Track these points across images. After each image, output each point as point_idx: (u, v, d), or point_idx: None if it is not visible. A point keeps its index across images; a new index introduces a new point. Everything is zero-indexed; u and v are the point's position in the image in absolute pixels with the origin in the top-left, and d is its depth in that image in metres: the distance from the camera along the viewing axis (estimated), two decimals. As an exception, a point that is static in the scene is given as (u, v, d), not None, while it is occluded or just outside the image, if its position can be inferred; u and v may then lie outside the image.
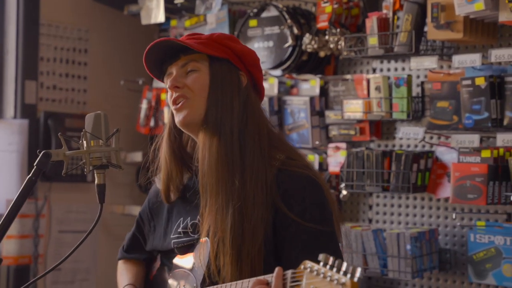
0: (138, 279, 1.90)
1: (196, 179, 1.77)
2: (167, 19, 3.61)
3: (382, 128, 3.09)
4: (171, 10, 3.57)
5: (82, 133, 1.62)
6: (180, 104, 1.74)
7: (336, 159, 3.08)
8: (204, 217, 1.69)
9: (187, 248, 1.76)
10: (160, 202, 1.88)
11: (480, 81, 2.52)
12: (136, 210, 3.79)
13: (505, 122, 2.51)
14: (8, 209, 1.58)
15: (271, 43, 3.20)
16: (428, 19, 2.66)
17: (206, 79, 1.74)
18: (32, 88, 3.61)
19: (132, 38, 3.94)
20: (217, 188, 1.67)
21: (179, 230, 1.78)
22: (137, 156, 3.81)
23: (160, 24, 3.82)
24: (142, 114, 3.76)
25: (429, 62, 2.64)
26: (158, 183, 1.89)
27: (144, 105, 3.75)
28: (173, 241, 1.79)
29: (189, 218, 1.78)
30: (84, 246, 3.77)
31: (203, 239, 1.68)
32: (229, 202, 1.65)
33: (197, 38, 1.78)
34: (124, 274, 1.94)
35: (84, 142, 1.61)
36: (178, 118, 1.74)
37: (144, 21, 3.52)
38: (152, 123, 3.74)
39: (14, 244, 3.53)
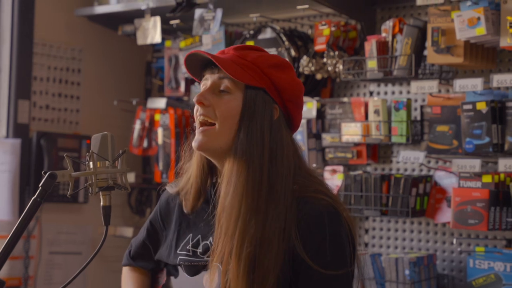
0: None
1: (213, 194, 1.70)
2: (162, 39, 3.60)
3: (379, 151, 3.08)
4: (166, 30, 3.56)
5: (88, 154, 1.59)
6: (203, 129, 1.67)
7: (333, 182, 3.07)
8: (216, 250, 1.62)
9: (195, 268, 1.71)
10: (170, 211, 1.81)
11: (481, 106, 2.53)
12: (127, 231, 3.75)
13: (506, 147, 2.51)
14: (13, 230, 1.55)
15: (268, 65, 3.18)
16: (428, 43, 2.66)
17: (237, 106, 1.65)
18: (25, 107, 3.56)
19: (126, 58, 3.92)
20: (234, 227, 1.59)
21: (187, 247, 1.72)
22: (130, 177, 3.77)
23: (154, 45, 3.81)
24: (135, 134, 3.72)
25: (430, 86, 2.64)
26: (171, 189, 1.82)
27: (137, 126, 3.72)
28: (179, 257, 1.73)
29: (200, 236, 1.72)
30: (75, 268, 3.72)
31: (215, 270, 1.63)
32: (243, 244, 1.57)
33: (243, 56, 1.68)
34: (129, 284, 1.88)
35: (91, 163, 1.58)
36: (195, 142, 1.67)
37: (140, 42, 3.51)
38: (145, 144, 3.70)
39: (5, 265, 3.46)
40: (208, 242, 1.70)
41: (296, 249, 1.58)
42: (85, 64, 3.83)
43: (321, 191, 1.64)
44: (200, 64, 1.72)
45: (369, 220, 3.11)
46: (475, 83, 2.52)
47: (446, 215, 2.75)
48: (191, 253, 1.71)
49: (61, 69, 3.74)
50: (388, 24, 2.83)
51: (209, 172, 1.75)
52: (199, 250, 1.71)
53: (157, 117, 3.61)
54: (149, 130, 3.68)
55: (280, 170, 1.62)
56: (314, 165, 3.15)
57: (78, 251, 3.75)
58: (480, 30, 2.47)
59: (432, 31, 2.64)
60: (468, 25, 2.50)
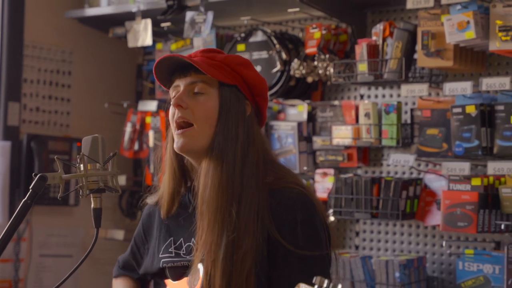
0: None
1: (191, 197, 1.76)
2: (153, 42, 3.60)
3: (369, 154, 3.09)
4: (157, 33, 3.56)
5: (79, 156, 1.59)
6: (182, 131, 1.71)
7: (324, 185, 3.08)
8: (199, 242, 1.67)
9: (179, 270, 1.73)
10: (151, 222, 1.86)
11: (471, 109, 2.54)
12: (118, 234, 3.74)
13: (495, 150, 2.52)
14: (3, 233, 1.55)
15: (259, 68, 3.19)
16: (419, 47, 2.68)
17: (214, 105, 1.71)
18: (15, 110, 3.56)
19: (116, 60, 3.91)
20: (215, 217, 1.65)
21: (170, 250, 1.76)
22: (121, 180, 3.77)
23: (145, 47, 3.80)
24: (126, 137, 3.72)
25: (420, 89, 2.66)
26: (150, 200, 1.87)
27: (128, 128, 3.71)
28: (162, 260, 1.77)
29: (182, 239, 1.76)
30: (66, 271, 3.69)
31: (197, 266, 1.66)
32: (223, 232, 1.64)
33: (211, 57, 1.74)
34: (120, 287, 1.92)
35: (81, 165, 1.58)
36: (177, 144, 1.72)
37: (130, 44, 3.50)
38: (136, 146, 3.70)
39: (-6, 268, 3.47)
40: (191, 243, 1.73)
41: (272, 235, 1.64)
42: (76, 66, 3.82)
43: (294, 182, 1.72)
44: (168, 71, 1.76)
45: (359, 223, 3.12)
46: (464, 87, 2.54)
47: (435, 217, 2.76)
48: (173, 254, 1.75)
49: (51, 71, 3.73)
50: (379, 28, 2.84)
51: (182, 176, 1.80)
52: (182, 251, 1.74)
53: (148, 119, 3.61)
54: (140, 133, 3.68)
55: (251, 160, 1.70)
56: (305, 168, 3.15)
57: (69, 253, 3.74)
58: (470, 34, 2.48)
59: (422, 34, 2.65)
60: (457, 29, 2.51)
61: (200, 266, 1.66)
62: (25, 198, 1.57)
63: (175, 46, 3.54)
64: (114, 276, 1.98)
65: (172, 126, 1.74)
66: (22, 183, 3.52)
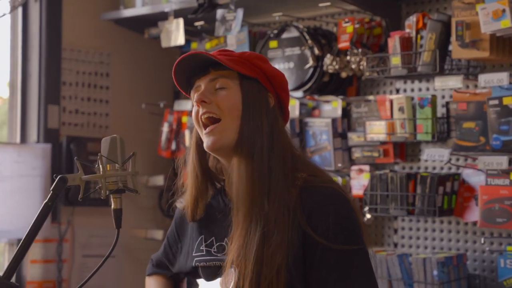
0: None
1: (225, 198, 1.75)
2: (188, 41, 3.60)
3: (406, 150, 3.03)
4: (191, 32, 3.56)
5: (98, 157, 1.59)
6: (211, 128, 1.69)
7: (360, 181, 3.02)
8: (234, 240, 1.65)
9: (212, 270, 1.72)
10: (185, 224, 1.85)
11: (508, 101, 2.46)
12: (158, 234, 3.76)
13: (534, 142, 2.44)
14: (25, 234, 1.56)
15: (291, 64, 3.16)
16: (453, 38, 2.60)
17: (237, 98, 1.69)
18: (55, 112, 3.60)
19: (153, 61, 3.93)
20: (250, 212, 1.63)
21: (201, 248, 1.75)
22: (159, 180, 3.79)
23: (181, 47, 3.81)
24: (164, 137, 3.74)
25: (454, 82, 2.58)
26: (180, 204, 1.85)
27: (165, 128, 3.73)
28: (195, 259, 1.75)
29: (213, 238, 1.74)
30: (108, 271, 3.74)
31: (230, 266, 1.64)
32: (257, 226, 1.61)
33: (229, 55, 1.74)
34: (153, 285, 1.93)
35: (100, 166, 1.58)
36: (207, 143, 1.69)
37: (164, 44, 3.51)
38: (173, 146, 3.71)
39: (38, 268, 3.52)
40: (223, 243, 1.71)
41: (308, 233, 1.61)
42: (114, 68, 3.85)
43: (330, 180, 1.70)
44: (186, 74, 1.74)
45: (398, 220, 3.06)
46: (500, 78, 2.45)
47: (475, 214, 2.68)
48: (205, 252, 1.73)
49: (89, 74, 3.77)
50: (412, 20, 2.78)
51: (205, 181, 1.78)
52: (214, 249, 1.72)
53: (185, 119, 3.62)
54: (176, 133, 3.69)
55: (278, 154, 1.67)
56: (339, 164, 3.11)
57: (112, 254, 3.76)
58: (506, 23, 2.40)
59: (456, 25, 2.58)
60: (492, 18, 2.43)
61: (233, 272, 1.64)
62: (46, 200, 1.58)
63: (210, 45, 3.54)
64: (147, 274, 1.98)
65: (198, 127, 1.72)
66: (62, 185, 3.56)
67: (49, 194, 1.58)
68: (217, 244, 1.72)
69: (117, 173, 1.59)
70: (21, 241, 1.55)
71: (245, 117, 1.67)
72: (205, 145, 1.70)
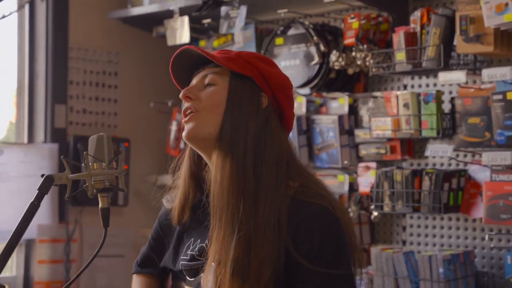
0: None
1: (207, 199, 1.69)
2: (196, 39, 3.58)
3: (414, 146, 2.98)
4: (199, 30, 3.54)
5: (84, 155, 1.58)
6: (188, 117, 1.66)
7: (367, 179, 2.98)
8: (212, 241, 1.61)
9: (196, 270, 1.69)
10: (170, 222, 1.81)
11: (512, 96, 2.41)
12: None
13: (540, 138, 2.39)
14: (11, 235, 1.54)
15: (297, 61, 3.13)
16: (457, 32, 2.56)
17: (222, 95, 1.65)
18: (62, 112, 3.61)
19: (161, 59, 3.91)
20: (226, 211, 1.58)
21: (188, 252, 1.72)
22: (168, 179, 3.77)
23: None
24: (172, 136, 3.72)
25: (458, 77, 2.53)
26: (167, 203, 1.83)
27: (173, 127, 3.72)
28: (181, 263, 1.73)
29: (199, 240, 1.72)
30: (117, 271, 3.74)
31: (210, 264, 1.61)
32: (234, 228, 1.56)
33: (226, 53, 1.70)
34: (137, 286, 1.90)
35: (87, 165, 1.57)
36: (184, 132, 1.66)
37: (169, 42, 3.50)
38: (182, 145, 3.69)
39: (46, 269, 3.52)
40: (204, 244, 1.68)
41: (292, 253, 1.54)
42: (122, 66, 3.85)
43: (321, 195, 1.60)
44: (185, 74, 1.72)
45: (406, 217, 3.01)
46: (503, 72, 2.40)
47: (481, 210, 2.63)
48: (189, 257, 1.71)
49: (97, 73, 3.77)
50: (417, 15, 2.73)
51: (194, 184, 1.73)
52: (195, 252, 1.69)
53: (192, 117, 3.60)
54: (185, 131, 3.67)
55: (266, 158, 1.60)
56: (346, 162, 3.07)
57: (121, 253, 3.77)
58: (509, 16, 2.35)
59: (460, 19, 2.53)
60: (496, 12, 2.38)
61: (213, 265, 1.61)
62: (32, 199, 1.56)
63: (217, 43, 3.52)
64: (132, 272, 1.94)
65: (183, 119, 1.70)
66: (70, 184, 3.56)
67: (36, 194, 1.56)
68: (199, 246, 1.69)
69: (103, 171, 1.58)
70: (7, 242, 1.53)
71: (227, 113, 1.63)
72: (183, 135, 1.67)
